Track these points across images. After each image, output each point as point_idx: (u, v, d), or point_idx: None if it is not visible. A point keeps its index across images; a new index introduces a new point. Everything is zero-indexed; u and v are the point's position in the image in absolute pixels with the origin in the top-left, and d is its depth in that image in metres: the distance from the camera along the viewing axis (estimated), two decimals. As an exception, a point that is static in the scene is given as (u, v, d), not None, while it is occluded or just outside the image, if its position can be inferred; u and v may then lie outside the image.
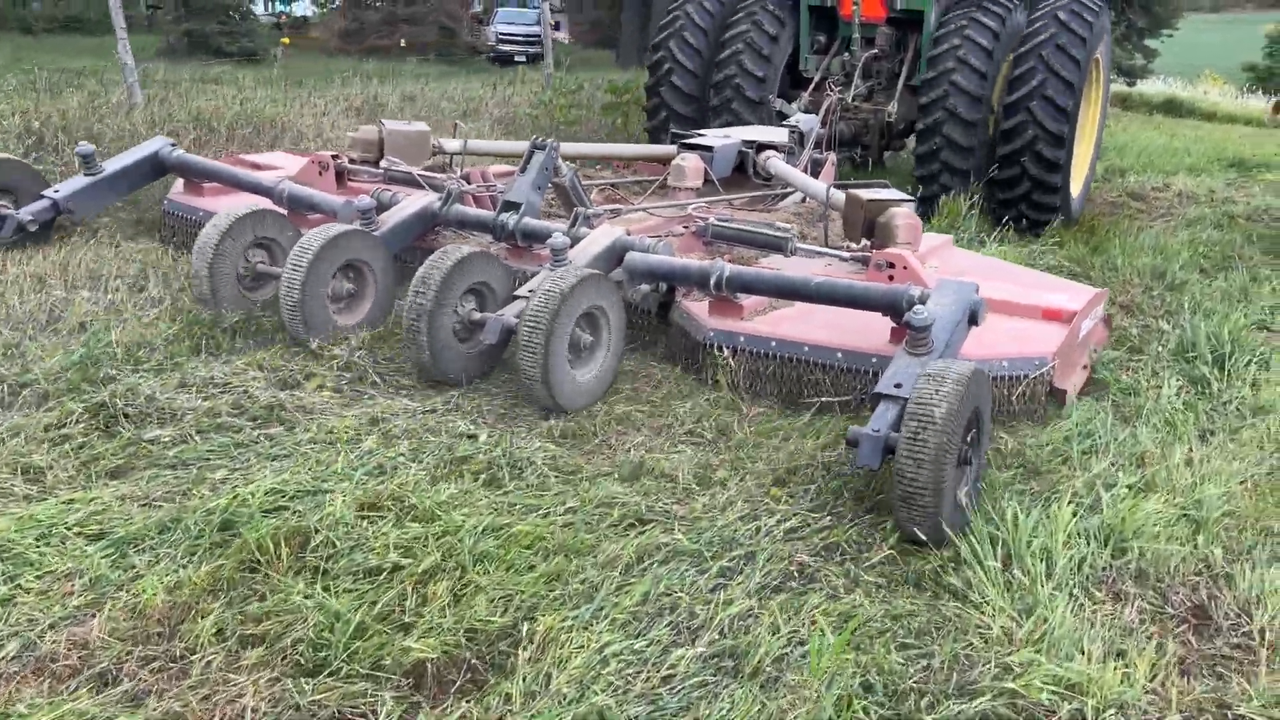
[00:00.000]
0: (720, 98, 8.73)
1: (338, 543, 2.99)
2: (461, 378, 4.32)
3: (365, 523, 3.10)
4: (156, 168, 6.04)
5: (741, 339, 4.33)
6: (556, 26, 46.53)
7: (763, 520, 3.30)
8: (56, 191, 5.72)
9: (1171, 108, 33.31)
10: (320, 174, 5.99)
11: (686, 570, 3.00)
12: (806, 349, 4.22)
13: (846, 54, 8.91)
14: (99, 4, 33.99)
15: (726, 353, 4.33)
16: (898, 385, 3.44)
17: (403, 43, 26.12)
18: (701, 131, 7.21)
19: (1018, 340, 4.32)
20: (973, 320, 3.96)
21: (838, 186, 5.56)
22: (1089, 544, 3.24)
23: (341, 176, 6.10)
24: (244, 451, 3.62)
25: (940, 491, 3.10)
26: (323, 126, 8.64)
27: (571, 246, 4.55)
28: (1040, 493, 3.63)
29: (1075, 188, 8.68)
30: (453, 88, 12.44)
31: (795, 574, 3.05)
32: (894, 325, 4.07)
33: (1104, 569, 3.17)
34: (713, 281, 4.33)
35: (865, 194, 5.01)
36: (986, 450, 3.66)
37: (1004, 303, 4.48)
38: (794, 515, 3.36)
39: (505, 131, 10.12)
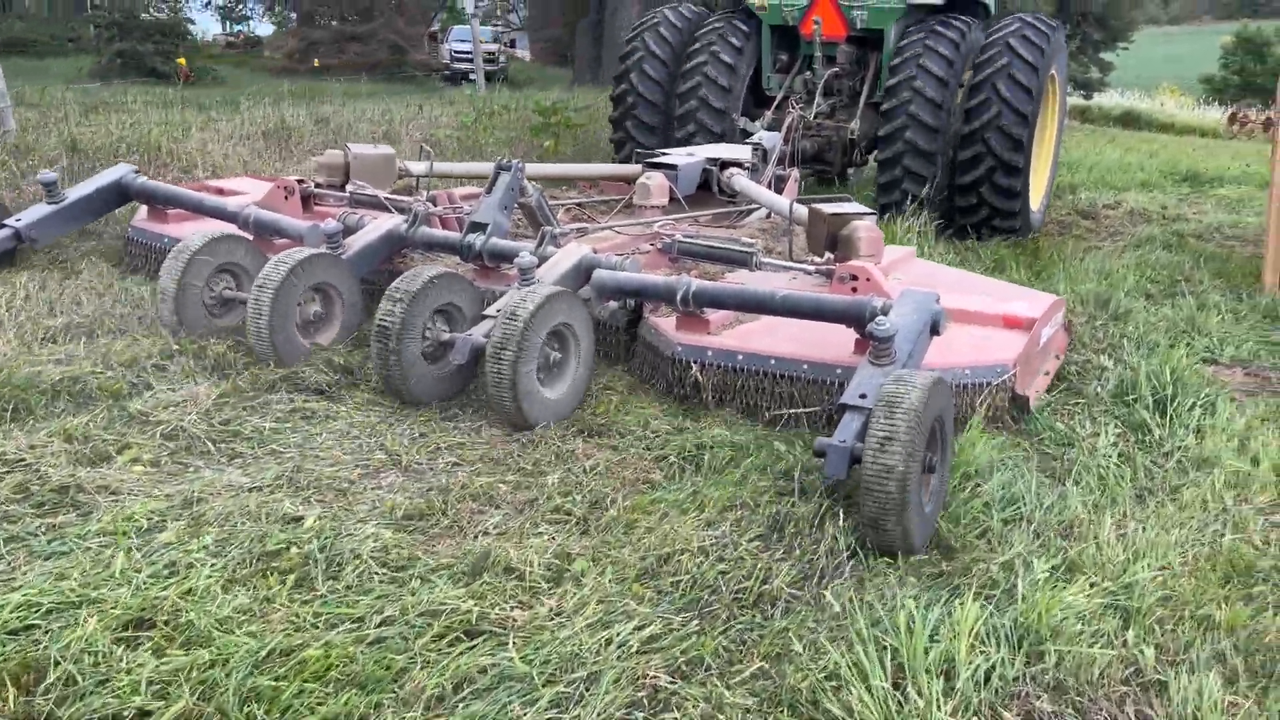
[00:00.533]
0: (685, 116, 8.77)
1: (80, 678, 2.44)
2: (431, 399, 4.31)
3: (122, 648, 2.55)
4: (120, 194, 6.00)
5: (709, 353, 4.38)
6: (512, 44, 46.08)
7: (617, 628, 2.78)
8: (19, 220, 5.63)
9: (1130, 120, 33.43)
10: (286, 198, 5.96)
11: (510, 701, 2.48)
12: (773, 362, 4.26)
13: (808, 72, 8.97)
14: (45, 26, 33.16)
15: (695, 368, 4.37)
16: (862, 396, 3.50)
17: (315, 63, 25.48)
18: (666, 150, 7.27)
19: (979, 348, 4.37)
20: (934, 330, 4.01)
21: (800, 202, 5.60)
22: (999, 648, 2.75)
23: (307, 201, 6.10)
24: (16, 548, 3.06)
25: (906, 501, 3.12)
26: (215, 155, 8.03)
27: (539, 265, 4.57)
28: (951, 577, 3.15)
29: (1035, 202, 8.71)
30: (373, 109, 11.85)
31: (645, 701, 2.54)
32: (858, 337, 4.10)
33: (1015, 679, 2.68)
34: (679, 297, 4.36)
35: (828, 208, 5.10)
36: (950, 458, 3.64)
37: (965, 312, 4.53)
38: (656, 619, 2.84)
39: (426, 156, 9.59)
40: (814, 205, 5.21)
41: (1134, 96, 38.27)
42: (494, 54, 31.82)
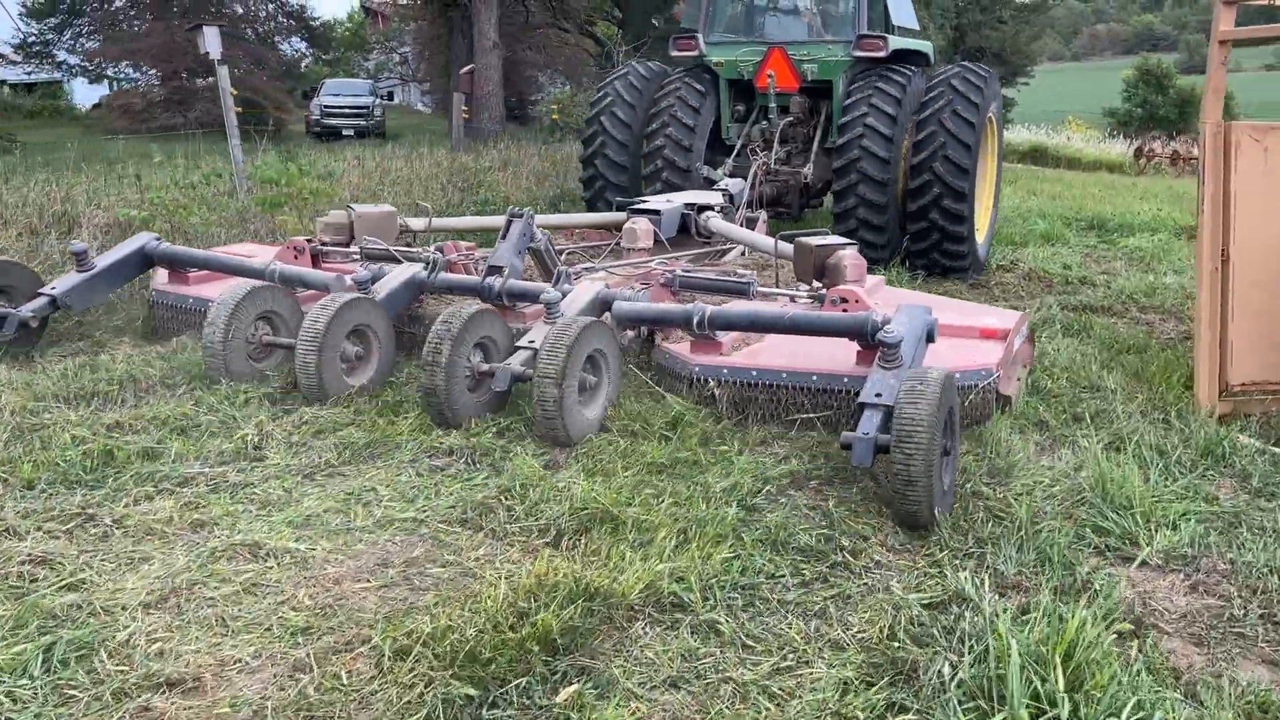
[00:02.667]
0: (651, 167, 9.40)
1: None
2: (472, 423, 4.65)
3: None
4: (144, 260, 6.35)
5: (725, 371, 4.81)
6: (390, 97, 43.60)
7: None
8: (54, 289, 5.93)
9: (1038, 155, 33.16)
10: (296, 258, 6.36)
11: None
12: (785, 375, 4.71)
13: (765, 122, 9.65)
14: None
15: (713, 384, 4.80)
16: (878, 395, 3.91)
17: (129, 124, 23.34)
18: (646, 198, 7.97)
19: (964, 355, 4.79)
20: (929, 338, 4.47)
21: (784, 237, 6.10)
22: None
23: (316, 259, 6.47)
24: None
25: (931, 479, 3.56)
26: None
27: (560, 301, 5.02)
28: None
29: (980, 237, 9.17)
30: (52, 186, 9.52)
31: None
32: (860, 348, 4.59)
33: None
34: (695, 321, 4.78)
35: (813, 241, 5.68)
36: (959, 443, 4.03)
37: (945, 325, 4.89)
38: None
39: (105, 244, 7.72)
40: (799, 239, 5.76)
41: (1041, 131, 38.27)
42: (367, 108, 29.59)
